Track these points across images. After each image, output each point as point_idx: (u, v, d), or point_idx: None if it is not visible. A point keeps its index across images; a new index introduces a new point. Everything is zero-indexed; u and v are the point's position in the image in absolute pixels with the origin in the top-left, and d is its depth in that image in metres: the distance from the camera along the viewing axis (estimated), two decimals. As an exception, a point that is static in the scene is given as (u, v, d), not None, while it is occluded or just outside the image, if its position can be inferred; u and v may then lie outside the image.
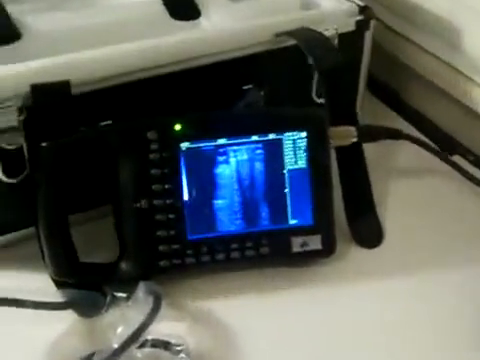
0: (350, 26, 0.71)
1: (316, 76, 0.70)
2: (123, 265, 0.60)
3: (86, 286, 0.59)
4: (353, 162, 0.66)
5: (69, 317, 0.58)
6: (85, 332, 0.57)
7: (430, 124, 0.80)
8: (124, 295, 0.58)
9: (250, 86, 0.68)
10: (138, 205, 0.58)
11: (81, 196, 0.63)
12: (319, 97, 0.71)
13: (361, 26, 0.71)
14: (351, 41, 0.70)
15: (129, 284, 0.58)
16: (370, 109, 0.76)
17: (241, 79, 0.67)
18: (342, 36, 0.69)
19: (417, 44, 0.79)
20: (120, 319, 0.56)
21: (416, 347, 0.56)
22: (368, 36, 0.73)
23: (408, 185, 0.72)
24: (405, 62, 0.81)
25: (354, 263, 0.64)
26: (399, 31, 0.81)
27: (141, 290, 0.57)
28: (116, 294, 0.58)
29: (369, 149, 0.66)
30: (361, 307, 0.60)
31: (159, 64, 0.62)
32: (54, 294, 0.59)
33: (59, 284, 0.59)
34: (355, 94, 0.74)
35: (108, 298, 0.58)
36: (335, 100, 0.65)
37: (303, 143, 0.60)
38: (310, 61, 0.66)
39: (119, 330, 0.54)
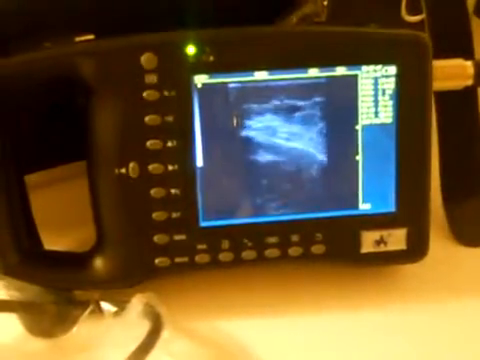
0: None
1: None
2: (98, 262, 0.50)
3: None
4: (463, 117, 0.56)
5: (9, 329, 0.48)
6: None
7: None
8: (113, 309, 0.47)
9: (309, -10, 0.57)
10: (123, 171, 0.49)
11: (44, 145, 0.56)
12: (412, 13, 0.62)
13: None
14: None
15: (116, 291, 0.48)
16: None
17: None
18: None
19: None
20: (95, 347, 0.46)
21: None
22: None
23: None
24: None
25: (452, 270, 0.55)
26: None
27: (136, 308, 0.47)
28: (104, 305, 0.48)
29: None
30: (462, 337, 0.49)
31: None
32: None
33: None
34: (465, 10, 0.59)
35: (89, 309, 0.48)
36: (440, 18, 0.55)
37: (390, 84, 0.49)
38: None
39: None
